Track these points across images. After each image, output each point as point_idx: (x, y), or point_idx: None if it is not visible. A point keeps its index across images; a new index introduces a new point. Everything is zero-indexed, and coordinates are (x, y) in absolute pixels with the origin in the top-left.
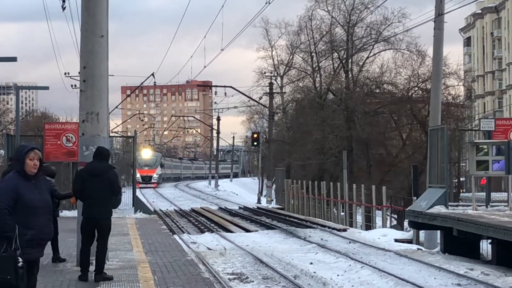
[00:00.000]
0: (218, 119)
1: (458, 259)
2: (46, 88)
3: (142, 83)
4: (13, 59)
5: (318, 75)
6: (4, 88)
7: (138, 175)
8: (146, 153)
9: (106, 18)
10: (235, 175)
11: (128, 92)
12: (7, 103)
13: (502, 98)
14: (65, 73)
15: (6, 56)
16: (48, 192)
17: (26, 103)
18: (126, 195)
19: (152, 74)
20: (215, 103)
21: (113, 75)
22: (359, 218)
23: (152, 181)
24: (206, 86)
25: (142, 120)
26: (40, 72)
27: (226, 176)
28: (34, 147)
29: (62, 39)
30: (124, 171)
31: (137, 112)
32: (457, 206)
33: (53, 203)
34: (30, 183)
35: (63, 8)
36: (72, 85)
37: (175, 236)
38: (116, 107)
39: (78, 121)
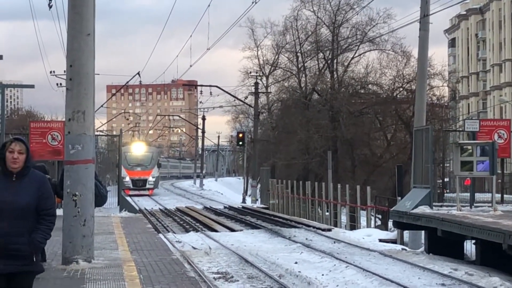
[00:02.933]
0: (204, 118)
1: (442, 259)
2: (32, 86)
3: (127, 82)
4: None
5: (304, 75)
6: None
7: (127, 179)
8: (138, 149)
9: (92, 16)
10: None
11: (114, 91)
12: None
13: (486, 99)
14: (50, 72)
15: None
16: (37, 192)
17: (11, 102)
18: (111, 194)
19: (138, 73)
20: (200, 102)
21: (99, 74)
22: (344, 218)
23: (147, 186)
24: (191, 85)
25: (128, 119)
26: (26, 71)
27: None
28: (17, 138)
29: (48, 38)
30: (109, 170)
31: (123, 111)
32: (441, 206)
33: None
34: (9, 181)
35: (50, 7)
36: (57, 84)
37: (160, 235)
38: (102, 106)
39: (63, 119)
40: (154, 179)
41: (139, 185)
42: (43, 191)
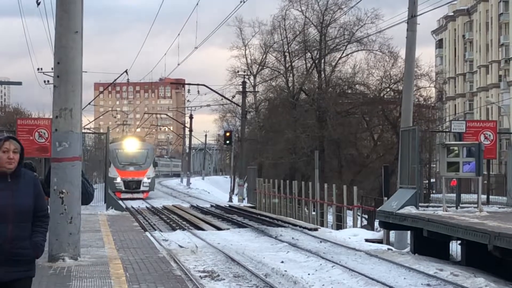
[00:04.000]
0: (191, 117)
1: (428, 260)
2: (19, 83)
3: (115, 80)
4: None
5: (291, 75)
6: None
7: (118, 180)
8: (131, 145)
9: (80, 14)
10: (176, 175)
11: (101, 88)
12: None
13: (473, 100)
14: (38, 69)
15: None
16: (33, 194)
17: None
18: (98, 192)
19: (126, 71)
20: (188, 101)
21: (86, 72)
22: (330, 218)
23: (142, 188)
24: (179, 84)
25: (115, 117)
26: (14, 68)
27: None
28: (11, 137)
29: (36, 35)
30: (96, 168)
31: (110, 109)
32: (427, 207)
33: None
34: (4, 183)
35: (38, 4)
36: (45, 81)
37: (147, 233)
38: (89, 103)
39: (50, 117)
40: (149, 180)
41: (133, 187)
42: (39, 191)
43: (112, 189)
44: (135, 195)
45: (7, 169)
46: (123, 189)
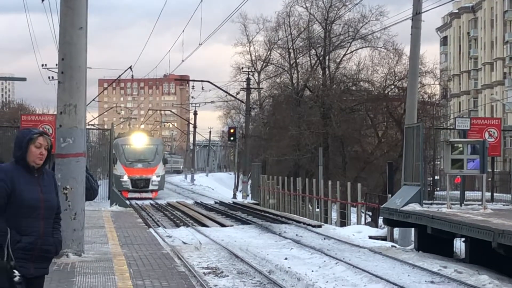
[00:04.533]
0: (195, 113)
1: (432, 257)
2: (23, 79)
3: (119, 76)
4: None
5: (295, 72)
6: None
7: (125, 178)
8: (139, 140)
9: (85, 10)
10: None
11: (105, 85)
12: None
13: (478, 97)
14: (42, 65)
15: None
16: (55, 190)
17: (2, 94)
18: (102, 188)
19: (130, 68)
20: (192, 97)
21: (91, 68)
22: (334, 215)
23: (151, 187)
24: (183, 80)
25: (119, 113)
26: (18, 64)
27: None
28: (45, 133)
29: (41, 31)
30: (101, 164)
31: (114, 105)
32: (431, 204)
33: None
34: (32, 177)
35: (42, 0)
36: (49, 77)
37: (151, 230)
38: (93, 99)
39: (55, 113)
40: (159, 179)
41: (141, 186)
42: (58, 188)
43: (118, 187)
44: (143, 195)
45: (36, 164)
46: (130, 188)
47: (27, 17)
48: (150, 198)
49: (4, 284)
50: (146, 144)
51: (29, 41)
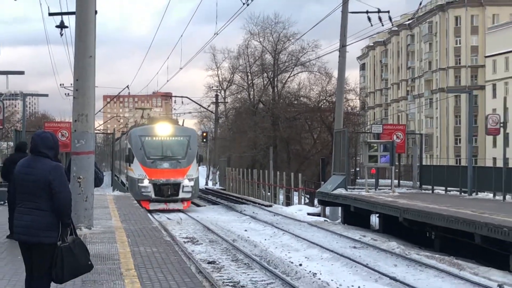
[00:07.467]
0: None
1: (354, 229)
2: (46, 95)
3: (119, 93)
4: (21, 72)
5: (252, 90)
6: (14, 95)
7: (145, 183)
8: (164, 131)
9: (94, 43)
10: None
11: (108, 99)
12: (15, 107)
13: (388, 109)
14: (60, 84)
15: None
16: None
17: (29, 107)
18: (106, 178)
19: (127, 86)
20: (174, 109)
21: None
22: (281, 197)
23: (181, 195)
24: (167, 96)
25: (119, 121)
26: (42, 84)
27: None
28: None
29: (59, 59)
30: (105, 160)
31: (115, 115)
32: (354, 189)
33: None
34: None
35: (61, 35)
36: (66, 94)
37: (143, 209)
38: (99, 111)
39: (70, 121)
40: (192, 183)
41: (167, 193)
42: None
43: (136, 196)
44: (171, 206)
45: None
46: (153, 196)
47: (49, 48)
48: (180, 211)
49: (87, 259)
50: (174, 135)
51: (50, 66)
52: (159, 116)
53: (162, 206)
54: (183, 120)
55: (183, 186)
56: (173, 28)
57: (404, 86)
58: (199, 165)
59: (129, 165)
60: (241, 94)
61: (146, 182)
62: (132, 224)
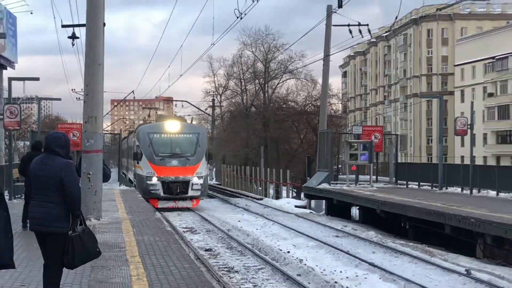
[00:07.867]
0: None
1: (336, 220)
2: (59, 99)
3: (125, 97)
4: (36, 79)
5: (245, 95)
6: (30, 99)
7: (154, 180)
8: (173, 128)
9: (102, 52)
10: None
11: (115, 103)
12: (31, 110)
13: (367, 112)
14: (72, 89)
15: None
16: None
17: (44, 110)
18: (113, 174)
19: (133, 91)
20: (175, 112)
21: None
22: (271, 191)
23: (190, 193)
24: (169, 100)
25: (125, 123)
26: (56, 89)
27: None
28: None
29: (71, 66)
30: (112, 157)
31: (122, 117)
32: (336, 184)
33: None
34: None
35: (72, 45)
36: (77, 98)
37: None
38: (107, 113)
39: (81, 122)
40: (201, 181)
41: (176, 191)
42: None
43: (144, 193)
44: (180, 204)
45: None
46: (162, 194)
47: (62, 57)
48: (189, 209)
49: (95, 247)
50: (183, 132)
51: (63, 73)
52: (168, 115)
53: (171, 204)
54: (192, 118)
55: (192, 184)
56: (174, 39)
57: (382, 92)
58: (208, 163)
59: (137, 163)
60: (235, 99)
61: (154, 180)
62: (137, 216)
